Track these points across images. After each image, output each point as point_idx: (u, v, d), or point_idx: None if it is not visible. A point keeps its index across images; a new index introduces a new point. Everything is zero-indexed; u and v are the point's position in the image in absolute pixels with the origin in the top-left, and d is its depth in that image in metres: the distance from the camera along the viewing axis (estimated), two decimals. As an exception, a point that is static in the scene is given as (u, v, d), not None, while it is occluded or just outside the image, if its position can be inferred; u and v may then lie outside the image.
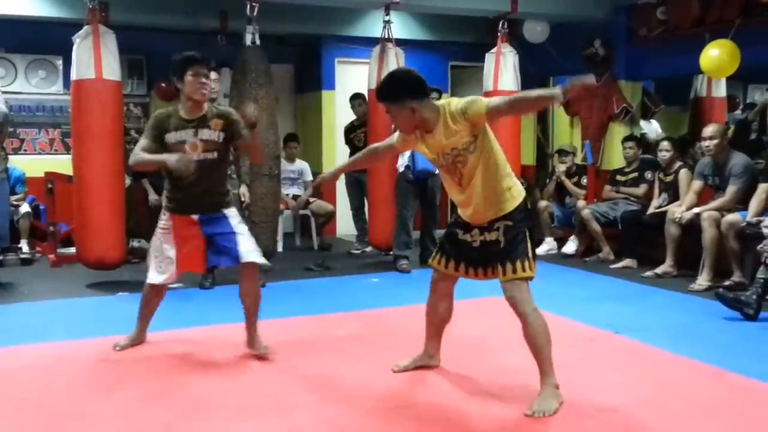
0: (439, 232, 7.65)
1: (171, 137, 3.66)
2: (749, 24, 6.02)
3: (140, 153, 3.65)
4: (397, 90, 3.17)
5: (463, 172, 3.18)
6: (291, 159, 7.68)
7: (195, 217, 3.74)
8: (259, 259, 3.77)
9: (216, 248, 3.75)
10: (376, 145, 3.79)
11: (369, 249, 7.29)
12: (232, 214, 3.82)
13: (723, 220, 5.49)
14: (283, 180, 6.79)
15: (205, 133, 3.66)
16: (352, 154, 7.55)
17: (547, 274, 6.69)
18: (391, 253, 6.59)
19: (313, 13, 7.40)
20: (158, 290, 3.96)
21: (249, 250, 3.72)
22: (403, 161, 6.29)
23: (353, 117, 7.64)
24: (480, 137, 3.12)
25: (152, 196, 7.10)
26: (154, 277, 3.84)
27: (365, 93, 7.08)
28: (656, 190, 6.56)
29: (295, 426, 2.95)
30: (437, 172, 6.67)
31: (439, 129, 3.14)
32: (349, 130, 7.61)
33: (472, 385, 3.43)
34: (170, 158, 3.55)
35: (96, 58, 5.28)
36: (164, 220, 3.82)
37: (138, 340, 4.07)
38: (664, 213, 6.09)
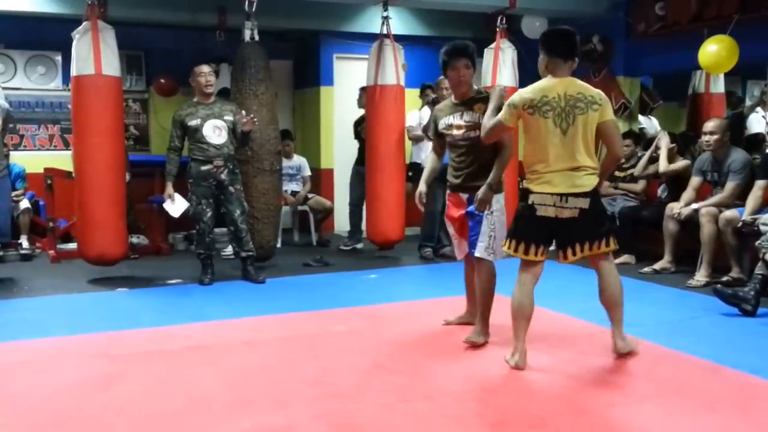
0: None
1: (441, 123, 4.13)
2: (748, 19, 6.02)
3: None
4: None
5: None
6: (288, 155, 7.66)
7: (464, 195, 4.02)
8: (488, 257, 3.95)
9: (468, 229, 4.01)
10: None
11: (360, 246, 7.29)
12: (496, 198, 3.96)
13: (721, 216, 5.49)
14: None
15: (468, 115, 4.00)
16: (360, 147, 7.49)
17: (545, 269, 6.70)
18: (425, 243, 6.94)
19: (311, 9, 7.39)
20: (468, 263, 4.21)
21: (483, 246, 3.94)
22: (424, 155, 6.30)
23: (352, 112, 7.66)
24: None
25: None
26: (457, 254, 4.28)
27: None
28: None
29: (294, 421, 2.96)
30: None
31: None
32: (358, 123, 7.57)
33: (470, 381, 3.45)
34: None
35: (95, 53, 5.28)
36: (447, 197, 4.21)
37: (466, 319, 4.34)
38: (663, 209, 6.10)
